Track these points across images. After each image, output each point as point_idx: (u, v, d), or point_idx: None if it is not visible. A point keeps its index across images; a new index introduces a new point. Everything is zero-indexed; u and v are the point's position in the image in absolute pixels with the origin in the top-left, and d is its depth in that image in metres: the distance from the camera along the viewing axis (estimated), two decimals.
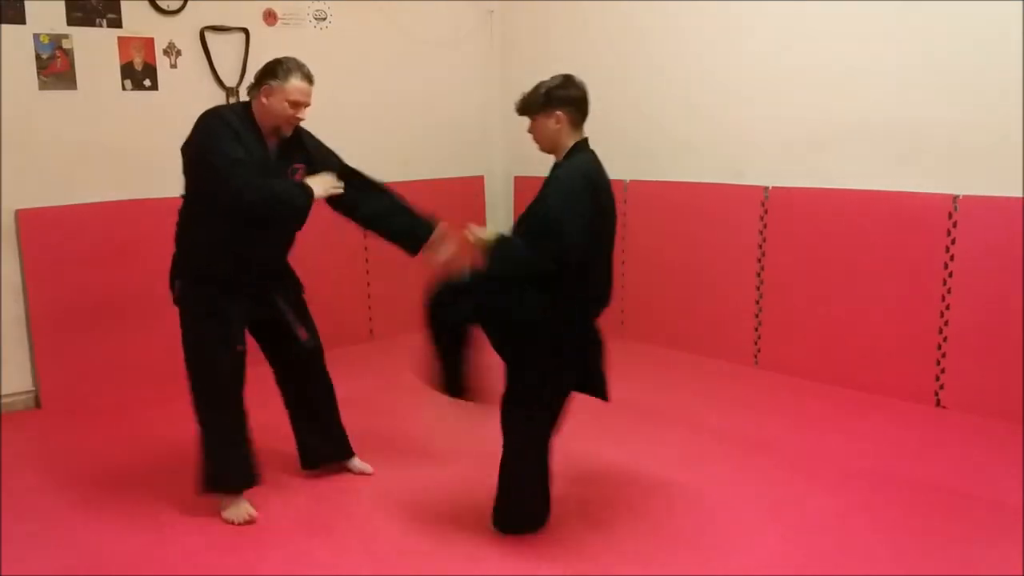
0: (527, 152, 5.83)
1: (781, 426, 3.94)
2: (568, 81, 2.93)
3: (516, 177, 5.97)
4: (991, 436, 3.75)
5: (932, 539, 2.92)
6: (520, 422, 2.92)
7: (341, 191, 3.12)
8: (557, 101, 2.88)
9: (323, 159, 3.24)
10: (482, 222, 6.02)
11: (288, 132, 3.08)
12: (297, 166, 3.14)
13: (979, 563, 2.76)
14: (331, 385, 3.50)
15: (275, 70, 3.00)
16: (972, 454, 3.60)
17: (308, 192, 3.01)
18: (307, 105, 3.05)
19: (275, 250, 3.28)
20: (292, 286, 3.39)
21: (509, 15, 5.94)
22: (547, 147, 2.97)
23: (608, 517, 3.11)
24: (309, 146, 3.23)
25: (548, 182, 2.87)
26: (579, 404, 3.72)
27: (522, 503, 2.99)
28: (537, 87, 2.93)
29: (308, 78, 3.04)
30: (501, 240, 2.85)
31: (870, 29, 4.19)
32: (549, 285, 2.76)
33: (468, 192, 5.99)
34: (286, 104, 2.99)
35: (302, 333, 3.32)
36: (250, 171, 2.92)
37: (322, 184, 3.07)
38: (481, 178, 6.03)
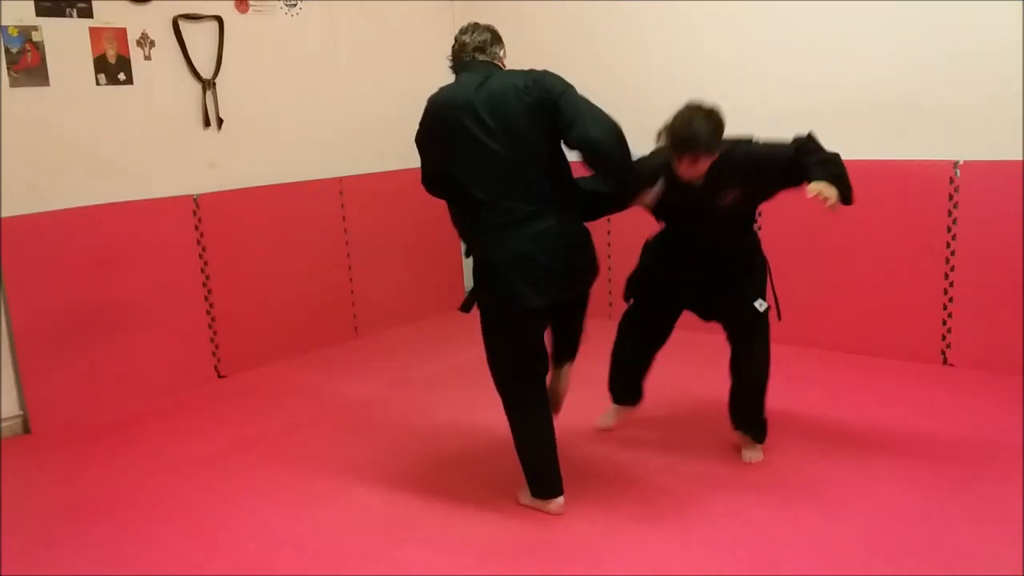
0: None
1: (790, 394, 3.95)
2: (716, 111, 3.06)
3: None
4: (996, 389, 3.93)
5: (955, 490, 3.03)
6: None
7: None
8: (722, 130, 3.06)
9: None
10: None
11: None
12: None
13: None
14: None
15: None
16: (981, 406, 3.76)
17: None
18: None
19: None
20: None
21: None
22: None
23: (636, 486, 3.14)
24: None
25: (750, 156, 3.20)
26: (592, 383, 3.72)
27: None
28: (700, 132, 2.97)
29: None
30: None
31: None
32: None
33: None
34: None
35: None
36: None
37: None
38: None
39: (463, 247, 3.14)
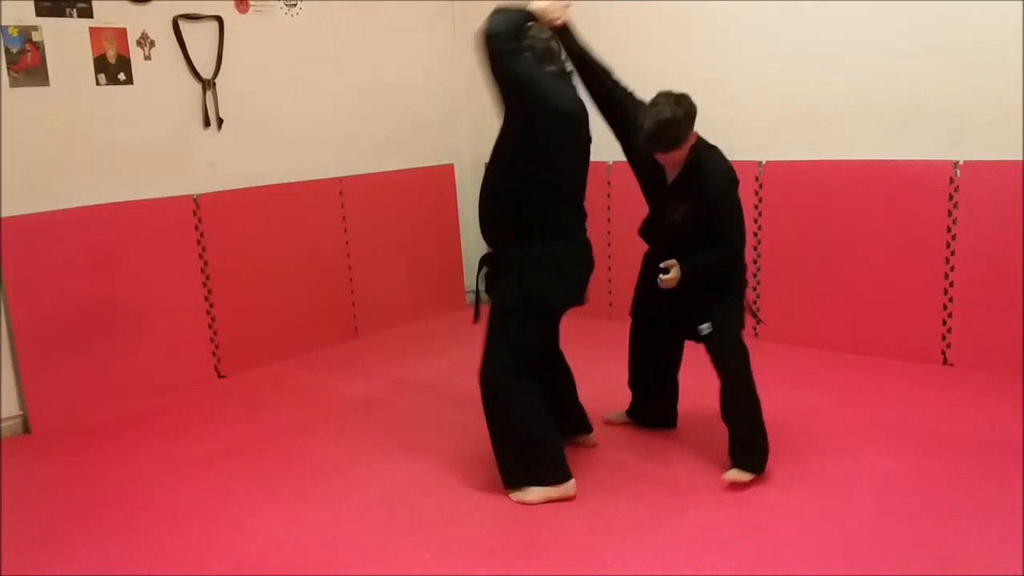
0: (495, 138, 5.80)
1: (790, 393, 3.95)
2: (684, 97, 3.05)
3: (487, 164, 5.85)
4: (996, 389, 3.93)
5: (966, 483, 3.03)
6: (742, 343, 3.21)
7: None
8: (691, 120, 3.05)
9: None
10: (453, 210, 5.92)
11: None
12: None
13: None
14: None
15: None
16: (981, 406, 3.76)
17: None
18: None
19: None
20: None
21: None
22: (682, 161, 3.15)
23: (637, 486, 3.14)
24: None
25: (708, 191, 3.13)
26: (593, 382, 3.72)
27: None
28: (669, 120, 2.98)
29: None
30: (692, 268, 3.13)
31: None
32: None
33: (439, 180, 5.86)
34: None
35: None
36: None
37: None
38: (451, 166, 5.90)
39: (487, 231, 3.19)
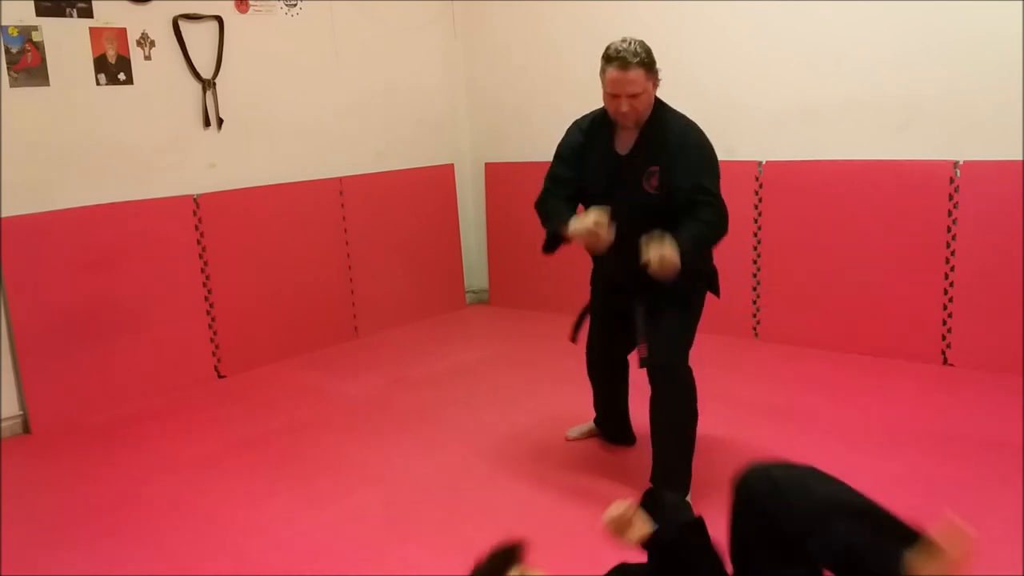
0: (496, 138, 5.82)
1: (790, 393, 3.97)
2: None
3: (487, 164, 5.87)
4: (996, 389, 3.92)
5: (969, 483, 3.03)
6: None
7: (601, 233, 2.65)
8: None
9: (675, 168, 2.79)
10: (453, 210, 5.92)
11: (627, 124, 2.83)
12: (652, 169, 2.79)
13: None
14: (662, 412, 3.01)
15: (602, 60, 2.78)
16: (981, 406, 3.75)
17: (557, 226, 2.87)
18: (631, 95, 2.71)
19: (613, 258, 2.92)
20: (661, 297, 2.91)
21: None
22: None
23: (638, 485, 3.07)
24: (672, 145, 2.80)
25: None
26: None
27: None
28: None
29: (621, 61, 2.68)
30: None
31: None
32: None
33: (439, 180, 5.86)
34: (608, 97, 2.78)
35: (641, 350, 2.92)
36: (553, 190, 2.95)
37: (582, 223, 2.70)
38: (451, 166, 5.90)
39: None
